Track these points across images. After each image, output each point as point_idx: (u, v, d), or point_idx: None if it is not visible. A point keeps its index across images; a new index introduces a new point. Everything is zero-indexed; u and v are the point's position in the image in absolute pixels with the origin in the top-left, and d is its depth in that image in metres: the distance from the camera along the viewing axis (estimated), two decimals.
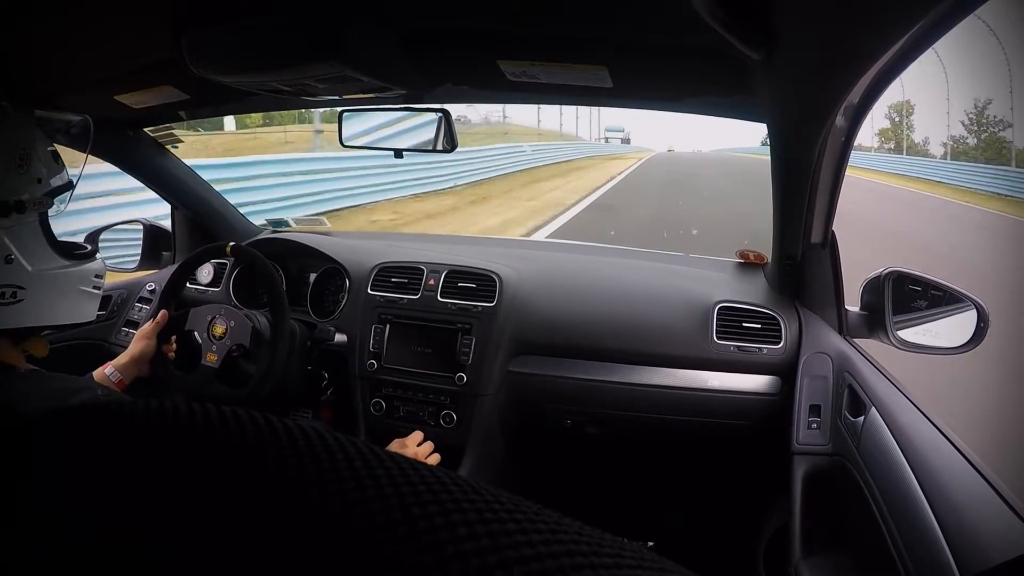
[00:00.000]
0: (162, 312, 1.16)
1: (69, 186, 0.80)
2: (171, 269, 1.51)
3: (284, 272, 1.49)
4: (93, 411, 0.21)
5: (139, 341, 1.12)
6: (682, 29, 0.67)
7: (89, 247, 0.85)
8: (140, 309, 1.53)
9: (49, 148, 0.79)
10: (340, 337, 1.36)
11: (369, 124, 1.27)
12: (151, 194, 1.55)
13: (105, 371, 1.07)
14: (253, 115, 8.09)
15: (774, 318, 1.22)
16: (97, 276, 0.84)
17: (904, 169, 21.50)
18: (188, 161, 1.59)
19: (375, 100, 1.05)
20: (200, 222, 1.60)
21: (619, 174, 18.07)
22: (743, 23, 0.58)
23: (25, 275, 0.73)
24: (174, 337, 1.17)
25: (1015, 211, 11.88)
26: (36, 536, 0.18)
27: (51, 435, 0.20)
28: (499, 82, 0.89)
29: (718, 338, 1.23)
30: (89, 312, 0.83)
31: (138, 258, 1.57)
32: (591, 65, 0.80)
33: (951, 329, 1.01)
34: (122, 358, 1.09)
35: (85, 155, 0.95)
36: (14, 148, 0.73)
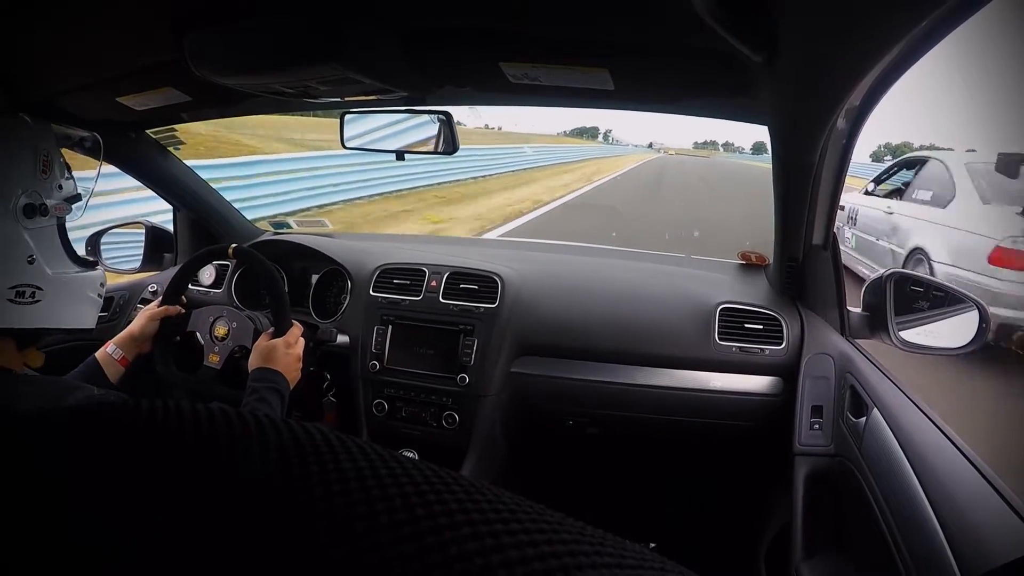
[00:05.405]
0: (176, 307, 1.18)
1: (79, 197, 0.84)
2: (173, 271, 1.52)
3: (286, 273, 1.49)
4: (92, 411, 0.21)
5: (142, 318, 1.14)
6: (684, 31, 0.67)
7: (92, 258, 0.89)
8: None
9: (60, 159, 0.83)
10: (342, 338, 1.36)
11: (370, 126, 1.27)
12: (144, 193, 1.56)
13: (107, 349, 1.08)
14: None
15: (776, 319, 1.22)
16: (101, 284, 0.88)
17: None
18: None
19: (377, 102, 1.05)
20: (202, 224, 1.60)
21: None
22: (744, 25, 0.58)
23: (44, 277, 0.76)
24: (178, 337, 1.18)
25: None
26: (35, 537, 0.18)
27: (49, 435, 0.20)
28: (501, 84, 0.90)
29: (720, 339, 1.23)
30: (92, 319, 0.87)
31: (140, 259, 1.57)
32: (593, 67, 0.80)
33: (953, 330, 1.02)
34: (123, 335, 1.11)
35: (99, 165, 1.02)
36: (37, 154, 0.77)
